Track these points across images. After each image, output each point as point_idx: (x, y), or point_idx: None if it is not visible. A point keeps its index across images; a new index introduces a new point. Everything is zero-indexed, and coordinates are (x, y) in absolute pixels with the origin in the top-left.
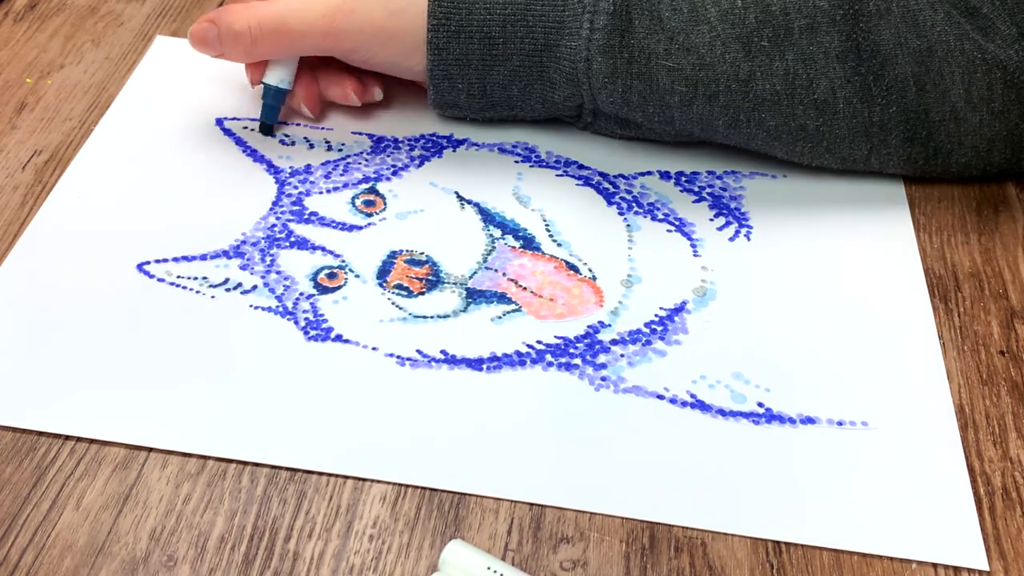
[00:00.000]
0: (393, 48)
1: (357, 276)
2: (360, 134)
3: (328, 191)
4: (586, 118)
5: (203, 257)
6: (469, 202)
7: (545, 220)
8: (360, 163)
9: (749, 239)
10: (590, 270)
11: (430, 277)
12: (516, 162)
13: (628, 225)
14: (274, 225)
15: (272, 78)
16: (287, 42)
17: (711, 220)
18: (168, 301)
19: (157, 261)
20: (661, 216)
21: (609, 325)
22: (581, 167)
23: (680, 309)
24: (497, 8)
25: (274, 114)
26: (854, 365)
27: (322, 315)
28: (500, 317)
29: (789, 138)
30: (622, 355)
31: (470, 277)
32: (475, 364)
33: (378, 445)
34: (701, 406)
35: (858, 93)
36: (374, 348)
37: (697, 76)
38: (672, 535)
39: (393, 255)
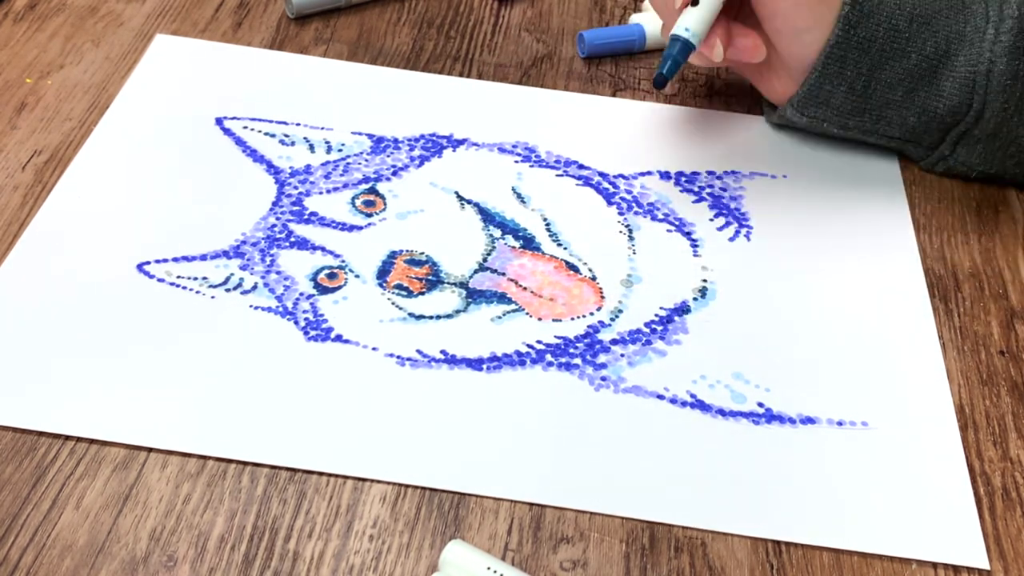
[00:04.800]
0: (810, 15)
1: (357, 276)
2: (360, 134)
3: (328, 191)
4: (945, 149)
5: (203, 257)
6: (469, 202)
7: (545, 220)
8: (360, 163)
9: (749, 239)
10: (590, 270)
11: (430, 277)
12: (516, 162)
13: (628, 225)
14: (274, 225)
15: (683, 29)
16: None
17: (711, 220)
18: (168, 301)
19: (157, 261)
20: (661, 216)
21: (609, 325)
22: (581, 167)
23: (680, 309)
24: (908, 4)
25: (675, 68)
26: (854, 365)
27: (322, 315)
28: (500, 317)
29: None
30: (622, 355)
31: (470, 277)
32: (475, 364)
33: (378, 445)
34: (701, 406)
35: None
36: (374, 348)
37: None
38: (672, 535)
39: (393, 255)
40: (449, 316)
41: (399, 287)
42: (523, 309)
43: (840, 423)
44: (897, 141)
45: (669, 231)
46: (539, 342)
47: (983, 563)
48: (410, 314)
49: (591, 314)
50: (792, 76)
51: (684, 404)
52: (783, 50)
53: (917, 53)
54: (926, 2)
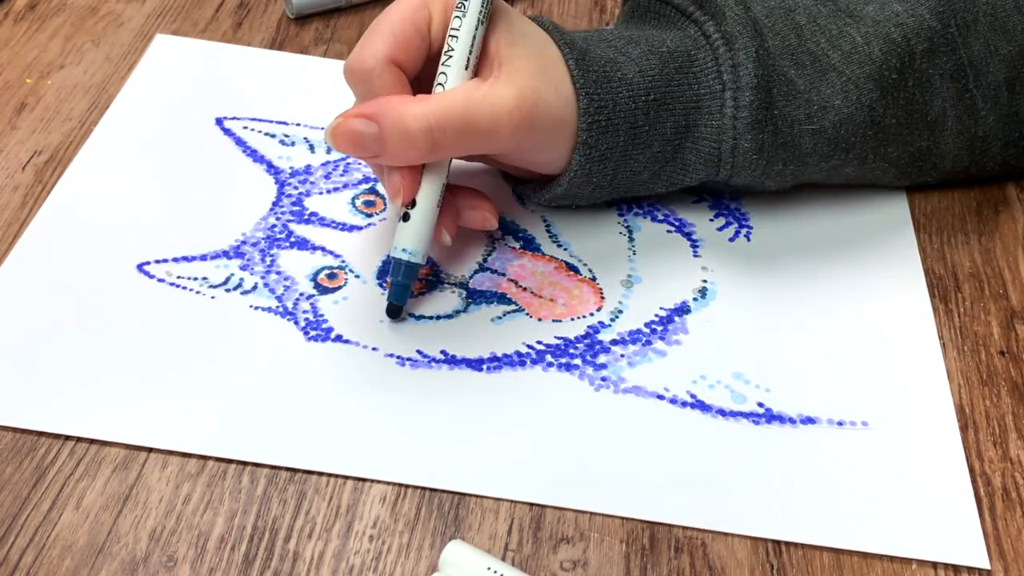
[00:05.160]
0: (551, 144)
1: (357, 276)
2: None
3: (328, 191)
4: (705, 187)
5: (203, 257)
6: None
7: (545, 220)
8: (360, 163)
9: (749, 239)
10: (590, 270)
11: (430, 277)
12: None
13: (628, 225)
14: (274, 225)
15: (401, 251)
16: (472, 142)
17: (711, 220)
18: (168, 301)
19: (157, 261)
20: (661, 216)
21: (609, 325)
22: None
23: (680, 309)
24: (641, 95)
25: (405, 294)
26: (854, 365)
27: (322, 315)
28: (500, 317)
29: (903, 165)
30: (622, 355)
31: (470, 277)
32: (475, 364)
33: (378, 445)
34: (701, 406)
35: (967, 109)
36: (374, 348)
37: (838, 133)
38: (672, 535)
39: None
40: (449, 316)
41: None
42: (523, 309)
43: (840, 423)
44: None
45: (669, 231)
46: (539, 342)
47: (983, 563)
48: (410, 314)
49: (591, 314)
50: (536, 174)
51: (684, 404)
52: (528, 170)
53: (659, 139)
54: (657, 81)
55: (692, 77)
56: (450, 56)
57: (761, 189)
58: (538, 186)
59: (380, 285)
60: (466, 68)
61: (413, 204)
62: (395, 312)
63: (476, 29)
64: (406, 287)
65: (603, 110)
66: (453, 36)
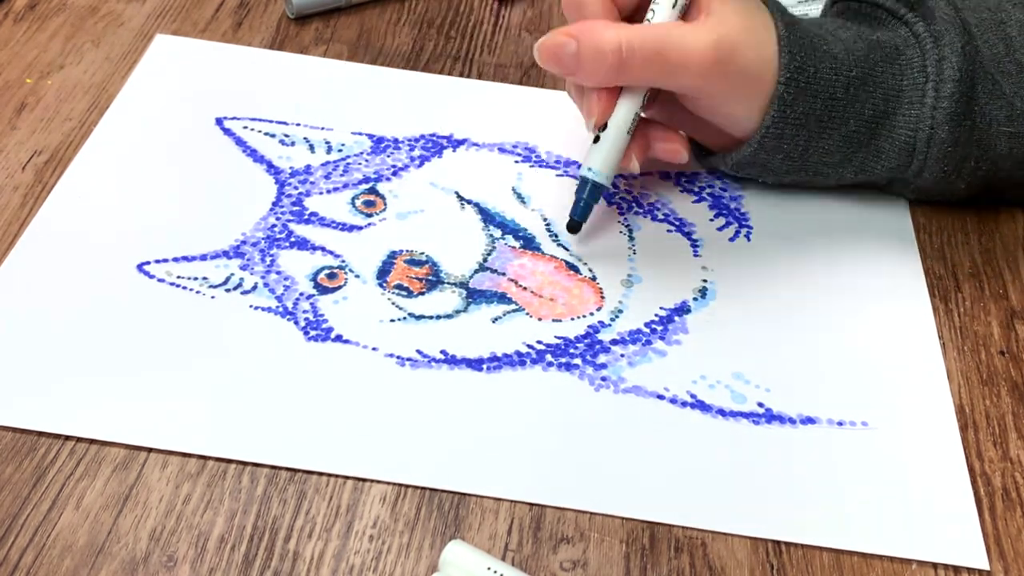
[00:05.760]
0: (743, 96)
1: (357, 276)
2: (360, 134)
3: (328, 191)
4: (892, 188)
5: (203, 257)
6: (469, 202)
7: (545, 220)
8: (360, 163)
9: (749, 239)
10: (590, 270)
11: (430, 277)
12: (516, 162)
13: (628, 225)
14: (274, 225)
15: (587, 170)
16: (658, 72)
17: (711, 220)
18: (168, 301)
19: (157, 261)
20: (661, 216)
21: (609, 325)
22: (581, 167)
23: (680, 309)
24: (843, 69)
25: (588, 210)
26: (854, 365)
27: (322, 315)
28: (500, 317)
29: None
30: (622, 355)
31: (470, 277)
32: (475, 364)
33: (378, 445)
34: (701, 406)
35: None
36: (374, 348)
37: None
38: (672, 535)
39: (393, 255)
40: (449, 316)
41: (399, 287)
42: (523, 309)
43: (840, 423)
44: (844, 184)
45: (669, 231)
46: (539, 342)
47: (983, 563)
48: (410, 314)
49: (591, 314)
50: (729, 138)
51: (684, 404)
52: (719, 128)
53: (855, 119)
54: (862, 61)
55: (897, 67)
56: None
57: (949, 195)
58: (726, 154)
59: (380, 285)
60: (674, 7)
61: (605, 127)
62: (575, 228)
63: None
64: (590, 206)
65: (804, 72)
66: None
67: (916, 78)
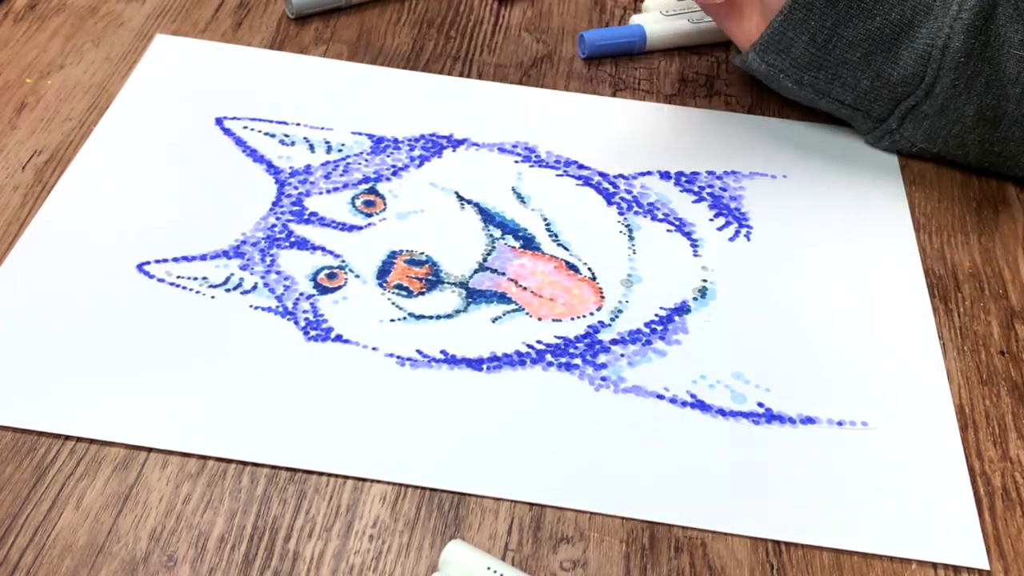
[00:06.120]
0: None
1: (357, 276)
2: (360, 134)
3: (328, 191)
4: (892, 122)
5: (203, 257)
6: (469, 202)
7: (545, 220)
8: (360, 163)
9: (749, 239)
10: (590, 270)
11: (430, 277)
12: (516, 162)
13: (628, 225)
14: (274, 225)
15: None
16: None
17: (711, 220)
18: (168, 301)
19: (157, 261)
20: (661, 216)
21: (609, 325)
22: (581, 167)
23: (680, 309)
24: None
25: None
26: (854, 365)
27: (322, 315)
28: (500, 317)
29: None
30: (622, 355)
31: (470, 277)
32: (475, 364)
33: (378, 445)
34: (701, 406)
35: None
36: (374, 348)
37: None
38: (672, 535)
39: (393, 255)
40: (449, 316)
41: (399, 287)
42: (523, 309)
43: (840, 423)
44: (847, 109)
45: (669, 231)
46: (539, 342)
47: (983, 563)
48: (410, 314)
49: (591, 314)
50: (758, 20)
51: (684, 404)
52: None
53: (882, 17)
54: None
55: None
56: None
57: (955, 135)
58: (754, 34)
59: (380, 285)
60: None
61: None
62: None
63: None
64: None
65: None
66: None
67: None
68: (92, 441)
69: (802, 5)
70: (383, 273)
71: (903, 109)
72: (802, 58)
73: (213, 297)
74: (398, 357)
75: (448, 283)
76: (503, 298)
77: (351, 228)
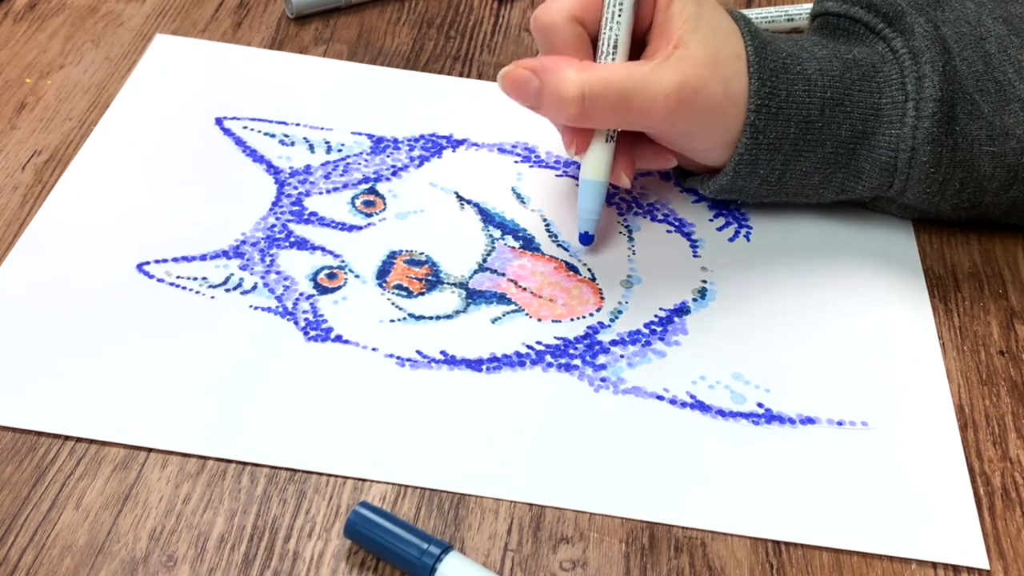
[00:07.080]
0: (710, 131)
1: (357, 276)
2: (360, 134)
3: (328, 191)
4: (877, 204)
5: (203, 257)
6: (469, 202)
7: (545, 220)
8: (360, 163)
9: (749, 239)
10: (590, 270)
11: (430, 277)
12: (516, 162)
13: (628, 225)
14: (274, 225)
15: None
16: (622, 117)
17: (711, 220)
18: (168, 301)
19: (157, 261)
20: (661, 216)
21: (609, 326)
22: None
23: (680, 310)
24: (817, 91)
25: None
26: (854, 365)
27: (322, 315)
28: (500, 318)
29: None
30: (622, 356)
31: (470, 277)
32: (475, 365)
33: (378, 445)
34: (701, 407)
35: None
36: (374, 348)
37: (1019, 161)
38: (672, 535)
39: (393, 255)
40: (449, 316)
41: (399, 287)
42: (523, 310)
43: (840, 423)
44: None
45: (669, 231)
46: (539, 343)
47: (983, 563)
48: (410, 314)
49: (591, 315)
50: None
51: (684, 405)
52: (693, 160)
53: (832, 140)
54: (836, 82)
55: (875, 85)
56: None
57: (936, 214)
58: (706, 176)
59: (380, 285)
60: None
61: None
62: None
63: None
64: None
65: (775, 97)
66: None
67: (895, 96)
68: (92, 441)
69: (747, 163)
70: (383, 273)
71: (882, 200)
72: (759, 193)
73: (213, 297)
74: (398, 357)
75: (448, 283)
76: (503, 299)
77: (351, 228)
